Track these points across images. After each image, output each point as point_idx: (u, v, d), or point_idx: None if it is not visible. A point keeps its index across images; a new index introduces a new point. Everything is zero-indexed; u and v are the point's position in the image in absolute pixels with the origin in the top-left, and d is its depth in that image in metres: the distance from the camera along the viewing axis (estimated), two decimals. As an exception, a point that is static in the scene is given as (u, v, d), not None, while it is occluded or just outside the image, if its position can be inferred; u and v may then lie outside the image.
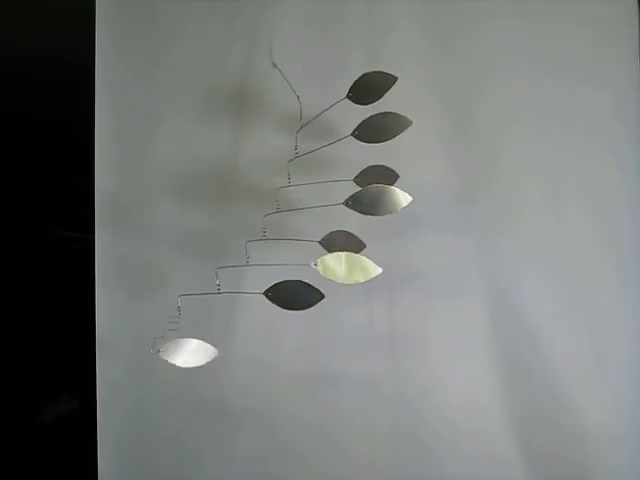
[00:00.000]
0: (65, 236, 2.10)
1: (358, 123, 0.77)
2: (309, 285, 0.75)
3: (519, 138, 0.97)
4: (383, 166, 0.86)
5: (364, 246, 0.85)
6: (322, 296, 0.75)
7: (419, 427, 1.00)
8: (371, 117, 0.76)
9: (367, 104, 0.77)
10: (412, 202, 0.72)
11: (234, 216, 0.99)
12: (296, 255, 0.76)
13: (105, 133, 1.05)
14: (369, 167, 0.85)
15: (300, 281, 0.75)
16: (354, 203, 0.74)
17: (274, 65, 0.79)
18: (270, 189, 0.82)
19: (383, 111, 0.75)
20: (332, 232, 0.85)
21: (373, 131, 0.76)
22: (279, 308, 0.76)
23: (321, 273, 0.73)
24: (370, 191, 0.74)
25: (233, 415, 1.03)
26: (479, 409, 0.99)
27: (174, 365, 0.80)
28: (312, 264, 0.73)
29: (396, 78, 0.75)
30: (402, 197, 0.72)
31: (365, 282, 0.73)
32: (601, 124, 0.96)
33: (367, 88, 0.76)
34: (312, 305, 0.75)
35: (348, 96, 0.77)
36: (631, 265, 0.97)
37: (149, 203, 1.04)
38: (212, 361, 0.78)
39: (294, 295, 0.76)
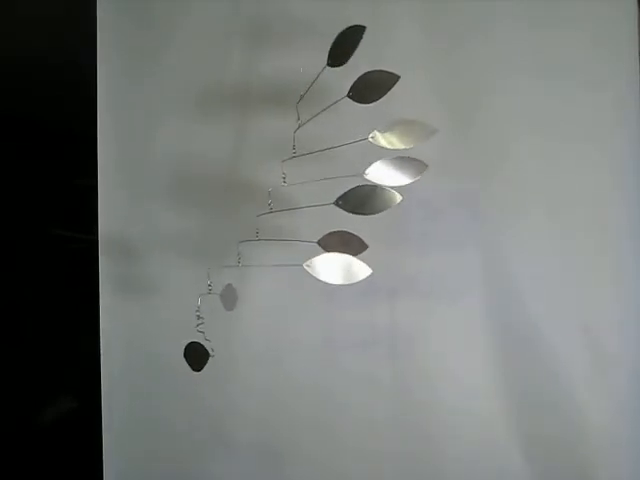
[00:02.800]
0: (68, 236, 2.10)
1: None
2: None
3: (519, 138, 0.97)
4: (408, 157, 0.79)
5: (366, 247, 0.82)
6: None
7: (423, 425, 1.01)
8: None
9: (368, 103, 0.75)
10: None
11: (236, 216, 1.00)
12: (297, 255, 0.76)
13: (106, 133, 1.05)
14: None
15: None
16: (344, 203, 0.73)
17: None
18: (272, 188, 0.83)
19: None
20: (331, 232, 0.82)
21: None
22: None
23: (312, 274, 0.73)
24: (360, 190, 0.73)
25: (235, 414, 1.04)
26: (480, 406, 1.00)
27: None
28: (304, 265, 0.73)
29: (398, 77, 0.73)
30: (392, 196, 0.72)
31: (365, 283, 0.73)
32: (601, 124, 0.96)
33: (368, 87, 0.75)
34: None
35: (349, 95, 0.76)
36: (631, 265, 0.97)
37: (151, 203, 1.05)
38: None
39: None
